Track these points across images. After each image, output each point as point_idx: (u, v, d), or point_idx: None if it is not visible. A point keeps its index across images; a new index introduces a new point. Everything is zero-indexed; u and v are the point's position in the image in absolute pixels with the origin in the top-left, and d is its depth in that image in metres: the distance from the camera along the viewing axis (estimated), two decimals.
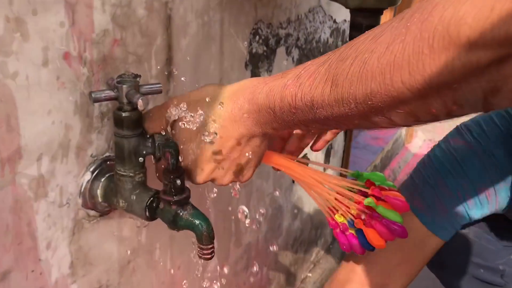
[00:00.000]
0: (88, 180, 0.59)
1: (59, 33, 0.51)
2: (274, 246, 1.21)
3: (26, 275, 0.55)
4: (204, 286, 0.93)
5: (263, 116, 0.51)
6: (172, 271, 0.81)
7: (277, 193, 1.14)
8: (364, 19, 0.80)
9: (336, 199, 0.65)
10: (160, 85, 0.57)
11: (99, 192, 0.60)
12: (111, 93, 0.53)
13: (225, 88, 0.55)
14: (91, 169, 0.59)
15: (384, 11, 0.80)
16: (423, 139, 2.58)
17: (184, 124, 0.55)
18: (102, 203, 0.61)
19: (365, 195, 0.65)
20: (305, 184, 0.66)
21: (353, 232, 0.66)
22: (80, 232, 0.60)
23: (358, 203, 0.64)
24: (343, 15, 1.22)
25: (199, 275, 0.89)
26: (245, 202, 0.99)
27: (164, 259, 0.78)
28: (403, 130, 2.37)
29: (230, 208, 0.94)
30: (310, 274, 1.50)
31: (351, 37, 0.88)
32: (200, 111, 0.54)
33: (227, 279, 1.00)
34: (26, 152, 0.51)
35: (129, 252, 0.69)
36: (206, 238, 0.54)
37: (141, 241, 0.71)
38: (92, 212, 0.61)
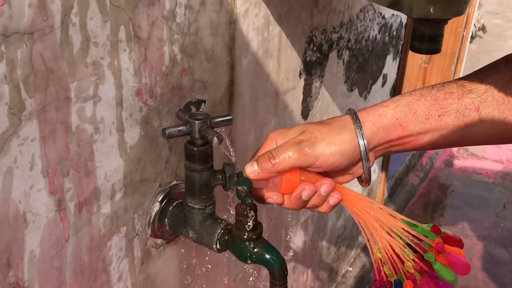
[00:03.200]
0: (157, 210, 0.58)
1: (132, 71, 0.49)
2: (320, 247, 1.20)
3: None
4: None
5: None
6: (227, 285, 0.81)
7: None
8: (428, 29, 0.77)
9: (391, 247, 0.57)
10: (231, 117, 0.55)
11: (167, 221, 0.59)
12: (184, 129, 0.52)
13: None
14: (159, 199, 0.59)
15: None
16: None
17: None
18: (169, 231, 0.60)
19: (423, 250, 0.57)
20: (360, 218, 0.58)
21: None
22: (148, 260, 0.60)
23: (416, 259, 0.56)
24: (391, 10, 1.18)
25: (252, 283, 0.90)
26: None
27: (221, 275, 0.78)
28: None
29: (282, 215, 0.94)
30: (350, 268, 1.50)
31: (412, 47, 0.84)
32: None
33: None
34: (101, 192, 0.50)
35: (189, 271, 0.70)
36: (279, 274, 0.53)
37: (201, 260, 0.71)
38: (159, 241, 0.60)
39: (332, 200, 0.55)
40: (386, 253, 0.58)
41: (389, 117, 0.54)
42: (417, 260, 0.57)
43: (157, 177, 0.58)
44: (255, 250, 0.54)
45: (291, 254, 1.03)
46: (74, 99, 0.44)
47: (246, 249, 0.54)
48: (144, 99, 0.52)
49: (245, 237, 0.54)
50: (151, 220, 0.58)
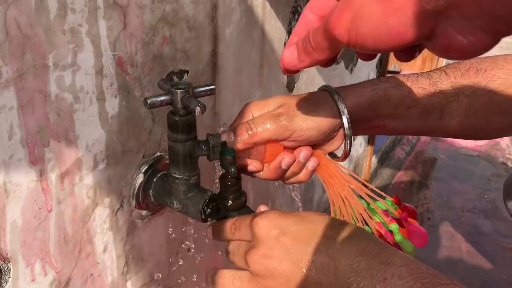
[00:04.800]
0: (141, 182, 0.58)
1: (112, 38, 0.48)
2: None
3: (86, 279, 0.55)
4: None
5: None
6: (215, 256, 0.82)
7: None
8: None
9: (360, 213, 0.58)
10: (213, 86, 0.55)
11: (151, 192, 0.59)
12: (166, 99, 0.51)
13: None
14: (143, 170, 0.58)
15: None
16: None
17: None
18: (154, 203, 0.60)
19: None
20: (330, 186, 0.59)
21: None
22: (134, 232, 0.60)
23: (380, 225, 0.58)
24: None
25: None
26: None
27: (209, 245, 0.78)
28: None
29: (268, 189, 0.94)
30: None
31: None
32: None
33: None
34: (83, 163, 0.50)
35: (177, 243, 0.70)
36: None
37: (188, 231, 0.71)
38: (144, 212, 0.60)
39: (311, 164, 0.57)
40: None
41: (366, 98, 0.55)
42: (381, 231, 0.59)
43: (141, 148, 0.57)
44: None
45: None
46: (52, 67, 0.43)
47: (230, 216, 0.54)
48: (125, 68, 0.51)
49: (229, 206, 0.54)
50: (136, 192, 0.58)
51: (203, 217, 0.56)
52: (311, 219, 0.45)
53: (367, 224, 0.62)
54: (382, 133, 0.65)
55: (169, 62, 0.57)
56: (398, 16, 0.27)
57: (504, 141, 2.20)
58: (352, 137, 0.57)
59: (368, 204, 0.62)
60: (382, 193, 0.69)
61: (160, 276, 0.68)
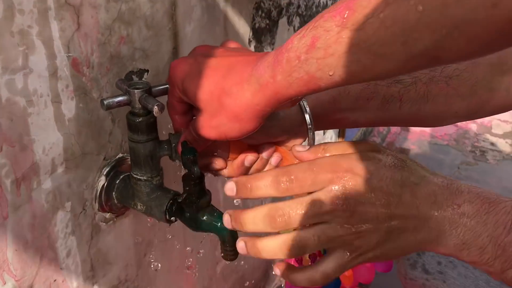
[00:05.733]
0: (103, 184, 0.57)
1: (65, 40, 0.47)
2: None
3: (49, 285, 0.54)
4: (216, 263, 0.94)
5: None
6: (186, 256, 0.81)
7: None
8: None
9: None
10: None
11: (114, 194, 0.58)
12: (123, 99, 0.51)
13: None
14: (105, 172, 0.57)
15: None
16: None
17: None
18: (118, 205, 0.59)
19: None
20: None
21: None
22: (98, 235, 0.59)
23: None
24: None
25: (210, 255, 0.90)
26: None
27: (180, 246, 0.78)
28: None
29: None
30: None
31: None
32: None
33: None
34: (41, 167, 0.49)
35: (144, 245, 0.69)
36: (229, 240, 0.53)
37: (156, 233, 0.71)
38: (108, 215, 0.59)
39: (274, 160, 0.56)
40: None
41: (326, 93, 0.56)
42: None
43: (101, 150, 0.56)
44: (204, 218, 0.54)
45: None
46: (1, 70, 0.42)
47: (196, 218, 0.54)
48: (81, 69, 0.50)
49: (193, 206, 0.53)
50: (98, 194, 0.57)
51: (167, 218, 0.56)
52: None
53: None
54: (344, 127, 0.66)
55: (128, 62, 0.56)
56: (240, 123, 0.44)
57: (472, 129, 2.25)
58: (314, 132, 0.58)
59: None
60: None
61: (129, 278, 0.67)
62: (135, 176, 0.55)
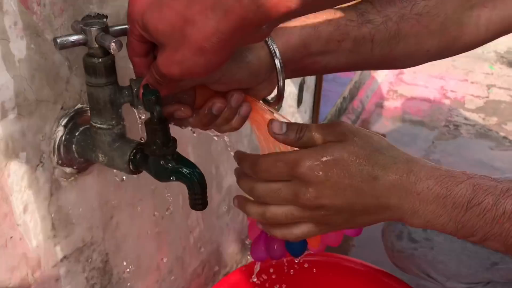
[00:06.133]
0: (61, 136, 0.54)
1: None
2: None
3: (5, 242, 0.51)
4: (190, 231, 0.91)
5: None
6: (156, 222, 0.78)
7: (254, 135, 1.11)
8: None
9: None
10: None
11: (74, 147, 0.55)
12: (78, 38, 0.47)
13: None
14: (63, 123, 0.54)
15: None
16: None
17: None
18: (79, 159, 0.56)
19: None
20: (264, 137, 0.57)
21: None
22: (58, 192, 0.56)
23: None
24: None
25: (182, 223, 0.87)
26: (223, 144, 0.96)
27: (147, 211, 0.75)
28: None
29: (210, 152, 0.91)
30: None
31: None
32: None
33: (210, 222, 0.99)
34: None
35: (111, 207, 0.66)
36: (197, 187, 0.51)
37: (123, 195, 0.68)
38: (68, 170, 0.56)
39: (243, 109, 0.54)
40: None
41: (297, 37, 0.54)
42: None
43: (58, 99, 0.53)
44: (170, 165, 0.51)
45: (224, 193, 1.01)
46: None
47: (161, 165, 0.51)
48: (30, 6, 0.46)
49: (157, 151, 0.50)
50: (56, 147, 0.54)
51: (131, 168, 0.53)
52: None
53: None
54: (315, 72, 0.63)
55: (84, 5, 0.53)
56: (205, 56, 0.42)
57: (446, 105, 2.26)
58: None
59: None
60: None
61: (95, 241, 0.64)
62: (95, 125, 0.52)
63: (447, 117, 2.17)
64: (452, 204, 0.47)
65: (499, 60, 2.73)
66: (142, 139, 0.53)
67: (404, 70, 2.56)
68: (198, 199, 0.52)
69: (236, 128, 0.56)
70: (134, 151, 0.52)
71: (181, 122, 0.55)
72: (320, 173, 0.48)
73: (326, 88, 1.85)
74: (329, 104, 1.84)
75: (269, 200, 0.51)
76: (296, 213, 0.51)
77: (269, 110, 0.56)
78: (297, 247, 0.60)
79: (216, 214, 1.01)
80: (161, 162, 0.51)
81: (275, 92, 0.57)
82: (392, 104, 2.27)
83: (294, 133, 0.51)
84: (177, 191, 0.82)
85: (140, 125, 0.53)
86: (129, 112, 0.55)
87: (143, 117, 0.54)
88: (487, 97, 2.35)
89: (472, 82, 2.48)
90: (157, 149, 0.50)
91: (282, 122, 0.52)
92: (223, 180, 1.00)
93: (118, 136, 0.53)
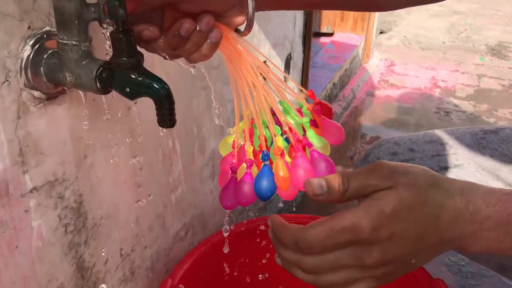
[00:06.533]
0: (29, 55, 0.53)
1: None
2: None
3: None
4: (171, 190, 0.90)
5: None
6: (134, 171, 0.77)
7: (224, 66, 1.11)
8: None
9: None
10: None
11: (42, 69, 0.54)
12: None
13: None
14: (30, 43, 0.53)
15: None
16: (379, 58, 2.58)
17: None
18: (47, 83, 0.55)
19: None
20: (236, 70, 0.56)
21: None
22: (26, 116, 0.55)
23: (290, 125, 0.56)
24: None
25: (163, 178, 0.86)
26: (205, 100, 0.95)
27: (124, 157, 0.74)
28: (360, 50, 2.36)
29: (192, 111, 0.90)
30: None
31: None
32: None
33: (193, 185, 0.98)
34: None
35: (84, 145, 0.65)
36: (163, 100, 0.50)
37: (97, 135, 0.67)
38: (37, 93, 0.55)
39: (213, 34, 0.52)
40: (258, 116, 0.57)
41: None
42: (291, 126, 0.57)
43: (24, 17, 0.52)
44: (138, 79, 0.50)
45: (208, 157, 1.01)
46: None
47: (128, 79, 0.50)
48: None
49: (123, 63, 0.50)
50: (23, 66, 0.53)
51: (98, 86, 0.52)
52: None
53: (273, 114, 0.59)
54: (292, 7, 0.63)
55: None
56: None
57: (436, 94, 2.26)
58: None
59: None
60: (295, 83, 0.67)
61: (67, 178, 0.63)
62: (61, 41, 0.51)
63: (437, 104, 2.17)
64: None
65: (490, 52, 2.74)
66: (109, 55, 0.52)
67: (395, 61, 2.57)
68: (167, 114, 0.51)
69: (206, 56, 0.55)
70: (101, 68, 0.52)
71: (150, 46, 0.54)
72: (385, 231, 0.45)
73: (315, 74, 1.86)
74: (319, 88, 1.84)
75: (323, 271, 0.47)
76: (358, 275, 0.47)
77: (242, 41, 0.56)
78: (265, 190, 0.57)
79: (200, 178, 1.00)
80: (128, 76, 0.50)
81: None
82: (383, 92, 2.27)
83: (337, 189, 0.47)
84: (156, 144, 0.82)
85: (108, 46, 0.53)
86: (97, 37, 0.54)
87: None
88: (478, 86, 2.36)
89: (463, 73, 2.49)
90: (123, 61, 0.49)
91: (320, 179, 0.48)
92: (206, 143, 0.99)
93: (85, 54, 0.52)
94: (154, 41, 0.53)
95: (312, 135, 0.58)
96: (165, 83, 0.51)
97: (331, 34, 2.38)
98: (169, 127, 0.52)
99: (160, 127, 0.52)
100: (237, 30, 0.58)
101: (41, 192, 0.60)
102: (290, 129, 0.57)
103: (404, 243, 0.46)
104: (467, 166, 0.84)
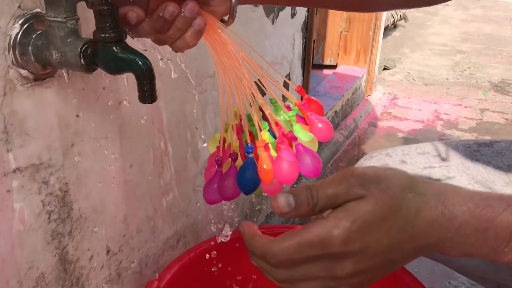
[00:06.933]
0: (17, 33, 0.55)
1: None
2: None
3: None
4: (162, 194, 0.90)
5: None
6: (123, 167, 0.77)
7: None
8: None
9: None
10: None
11: (30, 49, 0.56)
12: None
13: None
14: (20, 21, 0.55)
15: None
16: (382, 92, 2.60)
17: None
18: (35, 63, 0.57)
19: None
20: (220, 61, 0.57)
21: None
22: (13, 94, 0.56)
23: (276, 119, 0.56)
24: None
25: (153, 180, 0.86)
26: (200, 105, 0.96)
27: (114, 152, 0.74)
28: (362, 82, 2.38)
29: (185, 111, 0.91)
30: None
31: None
32: None
33: (185, 192, 0.97)
34: None
35: (72, 133, 0.66)
36: (145, 74, 0.51)
37: (86, 125, 0.68)
38: (24, 72, 0.56)
39: (197, 22, 0.53)
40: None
41: None
42: (276, 119, 0.57)
43: None
44: (121, 54, 0.51)
45: (201, 165, 1.01)
46: None
47: (110, 54, 0.52)
48: None
49: (107, 37, 0.51)
50: (12, 44, 0.55)
51: (82, 62, 0.53)
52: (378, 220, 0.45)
53: (261, 110, 0.59)
54: (275, 2, 0.64)
55: None
56: None
57: (439, 126, 2.27)
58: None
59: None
60: (282, 76, 0.68)
61: (53, 164, 0.64)
62: (48, 18, 0.53)
63: (440, 136, 2.17)
64: (493, 236, 0.44)
65: (493, 88, 2.76)
66: None
67: (399, 95, 2.59)
68: (148, 90, 0.52)
69: (190, 44, 0.55)
70: (86, 45, 0.53)
71: (134, 29, 0.55)
72: (357, 244, 0.44)
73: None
74: None
75: (296, 281, 0.46)
76: (332, 284, 0.46)
77: (228, 31, 0.57)
78: (247, 182, 0.57)
79: (192, 186, 1.00)
80: (111, 50, 0.51)
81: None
82: (386, 124, 2.28)
83: (306, 204, 0.45)
84: (147, 143, 0.82)
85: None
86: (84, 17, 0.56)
87: None
88: (481, 119, 2.36)
89: (465, 107, 2.50)
90: (106, 34, 0.51)
91: (288, 195, 0.46)
92: (200, 151, 0.99)
93: (72, 31, 0.53)
94: (139, 24, 0.54)
95: (298, 129, 0.58)
96: (147, 59, 0.52)
97: (334, 67, 2.41)
98: (150, 103, 0.53)
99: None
100: (222, 21, 0.59)
101: (24, 174, 0.60)
102: (276, 123, 0.57)
103: (377, 253, 0.45)
104: (459, 179, 0.83)
